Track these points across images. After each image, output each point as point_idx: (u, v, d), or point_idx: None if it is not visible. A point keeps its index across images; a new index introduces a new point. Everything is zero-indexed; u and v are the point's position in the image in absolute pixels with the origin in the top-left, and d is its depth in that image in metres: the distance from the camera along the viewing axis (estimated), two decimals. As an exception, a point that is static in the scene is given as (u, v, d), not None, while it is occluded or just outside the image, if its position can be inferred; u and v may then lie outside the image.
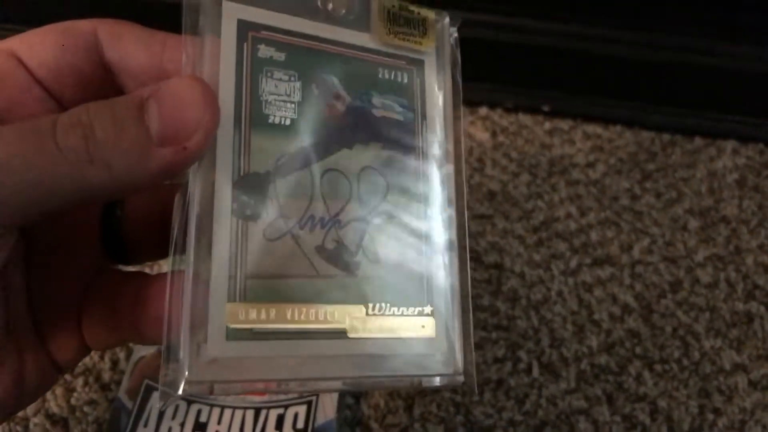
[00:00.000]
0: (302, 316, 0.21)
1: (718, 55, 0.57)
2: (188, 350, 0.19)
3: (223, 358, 0.20)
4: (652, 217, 0.55)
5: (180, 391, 0.19)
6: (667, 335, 0.49)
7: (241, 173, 0.21)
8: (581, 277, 0.51)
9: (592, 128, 0.60)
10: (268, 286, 0.21)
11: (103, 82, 0.23)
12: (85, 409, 0.41)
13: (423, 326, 0.23)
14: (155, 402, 0.39)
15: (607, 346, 0.48)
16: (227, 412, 0.38)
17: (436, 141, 0.25)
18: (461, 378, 0.23)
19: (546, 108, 0.60)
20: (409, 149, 0.24)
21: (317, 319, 0.21)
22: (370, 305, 0.22)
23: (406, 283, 0.23)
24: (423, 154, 0.25)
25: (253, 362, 0.20)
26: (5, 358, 0.22)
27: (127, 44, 0.22)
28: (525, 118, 0.60)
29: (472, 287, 0.50)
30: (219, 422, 0.38)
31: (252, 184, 0.21)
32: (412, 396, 0.43)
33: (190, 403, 0.38)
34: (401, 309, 0.23)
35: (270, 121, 0.22)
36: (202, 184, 0.20)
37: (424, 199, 0.24)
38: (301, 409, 0.39)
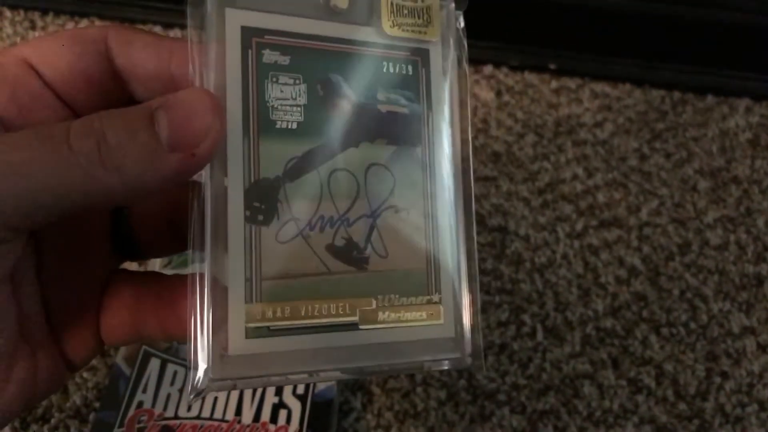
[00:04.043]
0: (315, 312, 0.22)
1: (732, 8, 0.55)
2: (211, 351, 0.21)
3: (244, 355, 0.21)
4: (661, 178, 0.54)
5: (205, 390, 0.21)
6: (674, 298, 0.48)
7: (252, 180, 0.22)
8: (587, 239, 0.50)
9: (600, 87, 0.58)
10: (283, 285, 0.22)
11: (113, 88, 0.23)
12: (85, 375, 0.41)
13: (431, 314, 0.24)
14: (153, 368, 0.38)
15: (613, 309, 0.47)
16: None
17: (442, 131, 0.25)
18: (469, 360, 0.25)
19: (553, 66, 0.58)
20: (415, 142, 0.25)
21: (329, 314, 0.23)
22: (380, 297, 0.23)
23: (414, 274, 0.24)
24: (430, 146, 0.25)
25: (271, 357, 0.22)
26: (18, 360, 0.22)
27: (136, 51, 0.22)
28: (531, 77, 0.58)
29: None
30: (218, 388, 0.38)
31: (263, 190, 0.22)
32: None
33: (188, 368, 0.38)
34: (410, 299, 0.24)
35: (277, 126, 0.22)
36: (215, 192, 0.21)
37: (431, 191, 0.25)
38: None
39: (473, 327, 0.25)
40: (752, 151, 0.56)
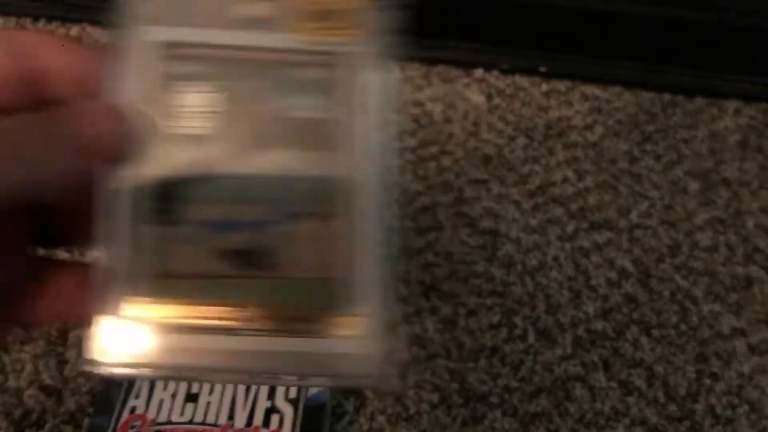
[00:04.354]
0: (206, 313, 0.22)
1: (721, 10, 0.55)
2: (94, 339, 0.22)
3: (126, 345, 0.22)
4: (651, 180, 0.54)
5: (83, 368, 0.21)
6: (665, 300, 0.48)
7: (154, 181, 0.23)
8: (578, 242, 0.50)
9: (591, 89, 0.59)
10: (175, 284, 0.22)
11: (32, 92, 0.24)
12: (79, 380, 0.41)
13: (345, 326, 0.23)
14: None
15: (604, 311, 0.47)
16: (219, 384, 0.38)
17: (364, 136, 0.25)
18: (386, 378, 0.23)
19: (543, 69, 0.58)
20: (332, 147, 0.24)
21: (223, 317, 0.22)
22: (283, 305, 0.23)
23: (325, 283, 0.23)
24: (350, 151, 0.24)
25: (153, 350, 0.22)
26: None
27: (55, 57, 0.24)
28: (521, 80, 0.58)
29: (467, 253, 0.50)
30: (210, 393, 0.38)
31: (164, 191, 0.23)
32: (405, 364, 0.43)
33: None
34: (317, 309, 0.23)
35: (185, 132, 0.23)
36: (115, 190, 0.22)
37: (349, 197, 0.24)
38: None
39: (391, 342, 0.23)
40: (741, 152, 0.56)
